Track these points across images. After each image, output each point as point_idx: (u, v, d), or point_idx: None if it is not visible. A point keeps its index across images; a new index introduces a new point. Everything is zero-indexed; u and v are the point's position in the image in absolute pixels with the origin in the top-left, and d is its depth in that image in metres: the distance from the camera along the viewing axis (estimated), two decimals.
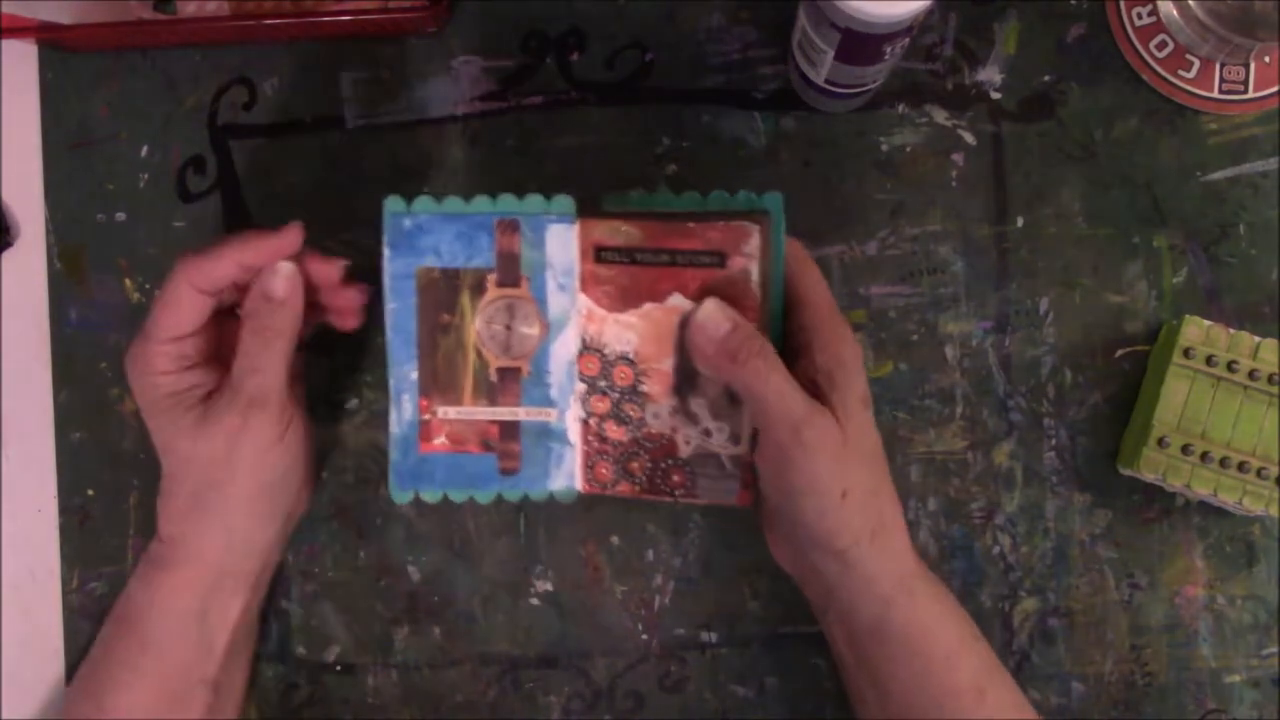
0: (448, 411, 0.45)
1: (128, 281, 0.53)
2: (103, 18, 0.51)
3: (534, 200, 0.44)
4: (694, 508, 0.52)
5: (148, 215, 0.53)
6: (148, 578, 0.46)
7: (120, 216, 0.53)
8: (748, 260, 0.43)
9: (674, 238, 0.43)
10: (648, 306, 0.44)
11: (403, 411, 0.45)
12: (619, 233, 0.44)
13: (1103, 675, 0.51)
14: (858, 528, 0.42)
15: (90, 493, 0.53)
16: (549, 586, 0.52)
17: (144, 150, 0.53)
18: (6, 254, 0.54)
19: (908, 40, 0.44)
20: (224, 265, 0.43)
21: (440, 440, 0.45)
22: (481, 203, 0.44)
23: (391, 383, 0.45)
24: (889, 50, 0.44)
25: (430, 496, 0.46)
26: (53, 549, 0.53)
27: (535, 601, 0.52)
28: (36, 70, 0.54)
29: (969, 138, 0.52)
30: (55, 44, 0.53)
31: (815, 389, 0.42)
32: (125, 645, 0.46)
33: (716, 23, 0.52)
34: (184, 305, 0.43)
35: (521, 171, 0.52)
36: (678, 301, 0.44)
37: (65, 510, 0.53)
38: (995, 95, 0.52)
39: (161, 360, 0.44)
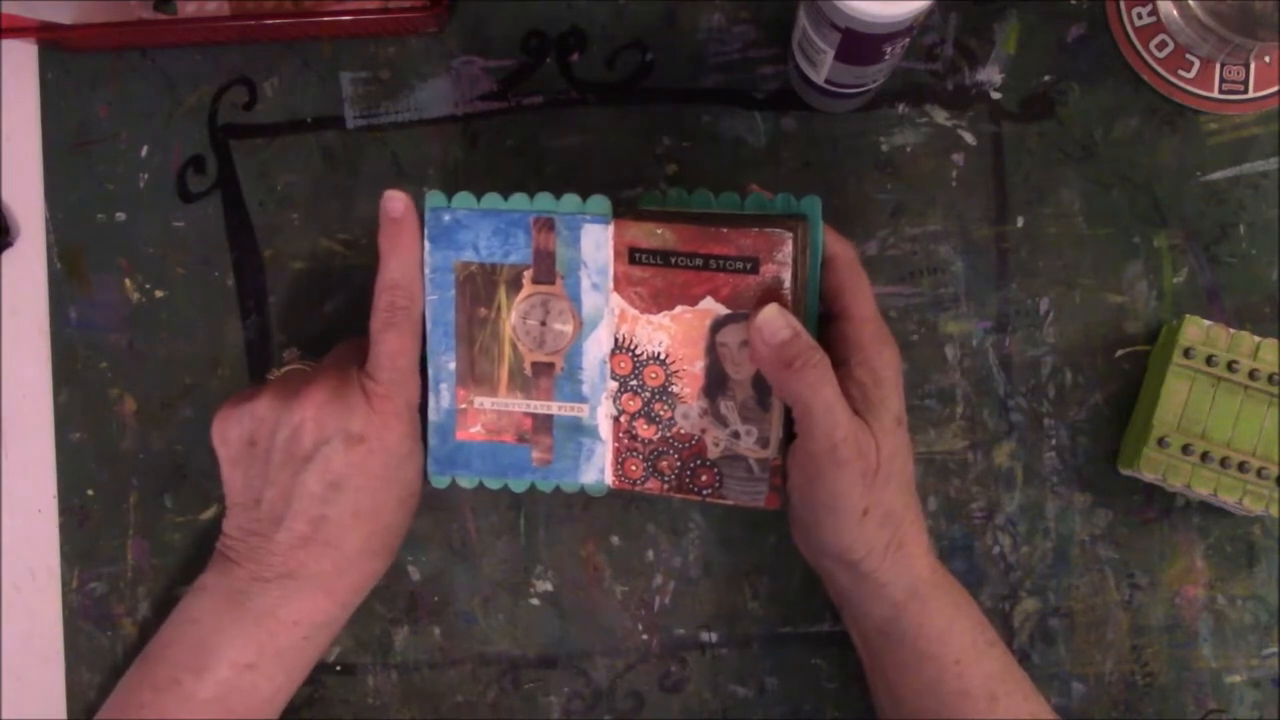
0: (484, 402, 0.46)
1: (128, 281, 0.53)
2: (103, 18, 0.51)
3: (570, 200, 0.44)
4: (693, 508, 0.52)
5: (148, 215, 0.53)
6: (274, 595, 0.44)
7: (120, 216, 0.53)
8: (780, 268, 0.43)
9: (707, 243, 0.43)
10: (680, 309, 0.44)
11: (441, 399, 0.46)
12: (653, 235, 0.44)
13: (1103, 675, 0.51)
14: (872, 543, 0.42)
15: (90, 493, 0.53)
16: (549, 586, 0.52)
17: (144, 150, 0.53)
18: (6, 254, 0.54)
19: (908, 40, 0.44)
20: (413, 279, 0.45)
21: (476, 429, 0.46)
22: (519, 200, 0.45)
23: (430, 372, 0.46)
24: (889, 50, 0.43)
25: (467, 482, 0.47)
26: (53, 549, 0.53)
27: (535, 601, 0.52)
28: (36, 70, 0.54)
29: (969, 138, 0.52)
30: (55, 44, 0.53)
31: (851, 403, 0.41)
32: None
33: (716, 23, 0.52)
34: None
35: (521, 171, 0.52)
36: (710, 305, 0.44)
37: (65, 510, 0.53)
38: (995, 95, 0.52)
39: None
